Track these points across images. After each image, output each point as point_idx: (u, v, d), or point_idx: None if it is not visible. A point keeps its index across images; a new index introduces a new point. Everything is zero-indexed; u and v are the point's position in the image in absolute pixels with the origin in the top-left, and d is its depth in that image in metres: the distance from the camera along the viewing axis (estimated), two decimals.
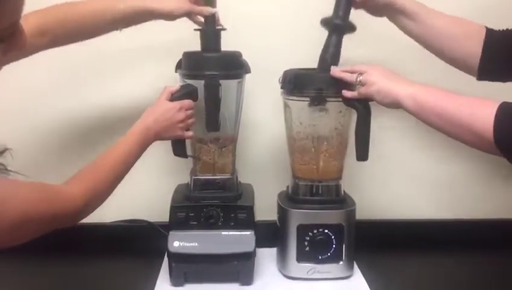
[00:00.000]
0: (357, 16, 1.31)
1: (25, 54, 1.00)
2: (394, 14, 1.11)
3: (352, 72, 1.07)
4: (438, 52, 1.11)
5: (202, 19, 1.14)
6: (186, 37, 1.16)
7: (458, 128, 0.90)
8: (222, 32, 1.16)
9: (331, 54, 1.13)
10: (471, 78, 1.11)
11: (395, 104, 1.00)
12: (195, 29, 1.15)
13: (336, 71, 1.10)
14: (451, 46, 1.09)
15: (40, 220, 0.79)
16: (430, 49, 1.12)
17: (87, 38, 1.09)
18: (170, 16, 1.10)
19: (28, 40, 0.97)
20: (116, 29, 1.09)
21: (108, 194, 0.97)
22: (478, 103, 0.89)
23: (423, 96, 0.95)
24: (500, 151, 0.85)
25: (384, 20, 1.23)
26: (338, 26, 1.13)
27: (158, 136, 1.07)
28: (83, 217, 0.91)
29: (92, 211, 0.94)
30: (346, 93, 1.09)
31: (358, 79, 1.06)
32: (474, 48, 1.06)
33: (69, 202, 0.86)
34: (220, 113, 1.15)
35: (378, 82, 1.02)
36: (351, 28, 1.13)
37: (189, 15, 1.12)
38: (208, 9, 1.12)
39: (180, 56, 1.17)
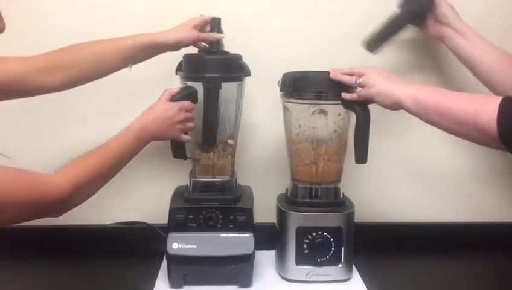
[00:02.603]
0: (355, 20, 1.32)
1: (34, 93, 1.04)
2: (454, 35, 1.16)
3: (351, 75, 1.08)
4: (483, 81, 1.16)
5: (207, 45, 1.17)
6: None
7: (461, 126, 0.90)
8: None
9: (385, 30, 1.18)
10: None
11: (396, 106, 1.00)
12: (198, 51, 1.18)
13: (335, 74, 1.10)
14: (496, 81, 1.12)
15: (18, 206, 0.80)
16: (475, 74, 1.17)
17: (97, 78, 1.10)
18: (178, 46, 1.13)
19: (37, 79, 1.01)
20: (126, 66, 1.10)
21: (98, 188, 0.97)
22: (480, 99, 0.90)
23: (424, 96, 0.96)
24: (504, 146, 0.85)
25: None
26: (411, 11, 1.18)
27: (155, 135, 1.07)
28: (70, 207, 0.91)
29: (81, 202, 0.93)
30: (346, 95, 1.09)
31: (357, 81, 1.06)
32: None
33: (51, 189, 0.86)
34: (218, 123, 1.16)
35: (377, 84, 1.03)
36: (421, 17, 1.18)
37: (195, 43, 1.15)
38: (213, 35, 1.15)
39: None
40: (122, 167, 1.02)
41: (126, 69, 1.11)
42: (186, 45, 1.14)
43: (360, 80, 1.06)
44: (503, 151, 0.87)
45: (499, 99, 0.86)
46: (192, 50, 1.18)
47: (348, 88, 1.10)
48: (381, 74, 1.05)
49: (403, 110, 1.02)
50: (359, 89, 1.07)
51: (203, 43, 1.17)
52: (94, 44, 1.08)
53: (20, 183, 0.82)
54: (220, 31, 1.17)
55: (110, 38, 1.09)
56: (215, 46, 1.16)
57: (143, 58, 1.12)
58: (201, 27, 1.15)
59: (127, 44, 1.08)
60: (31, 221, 1.28)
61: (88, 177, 0.92)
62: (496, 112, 0.84)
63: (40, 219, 1.29)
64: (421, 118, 0.97)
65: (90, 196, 0.96)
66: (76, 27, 1.25)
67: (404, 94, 0.98)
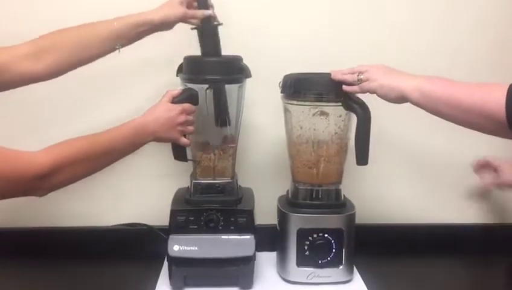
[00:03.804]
0: (356, 21, 1.32)
1: (21, 82, 1.02)
2: None
3: (352, 73, 1.08)
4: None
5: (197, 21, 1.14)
6: (185, 46, 1.17)
7: (469, 114, 0.89)
8: (223, 37, 1.17)
9: None
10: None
11: (400, 99, 1.00)
12: (192, 28, 1.15)
13: (336, 74, 1.10)
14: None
15: None
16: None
17: (85, 62, 1.07)
18: (165, 23, 1.11)
19: (21, 66, 0.99)
20: (115, 49, 1.08)
21: (86, 172, 0.96)
22: (487, 86, 0.89)
23: (429, 87, 0.95)
24: None
25: (385, 25, 1.23)
26: None
27: (155, 135, 1.06)
28: (52, 186, 0.89)
29: (64, 183, 0.92)
30: (347, 88, 1.08)
31: (359, 77, 1.06)
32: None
33: (31, 164, 0.85)
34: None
35: (380, 78, 1.03)
36: None
37: (184, 19, 1.13)
38: (202, 12, 1.13)
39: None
40: (114, 159, 1.01)
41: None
42: (174, 21, 1.11)
43: (362, 76, 1.06)
44: (511, 139, 0.86)
45: (506, 86, 0.85)
46: (194, 51, 1.18)
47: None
48: (383, 70, 1.05)
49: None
50: (362, 84, 1.06)
51: (193, 20, 1.14)
52: (79, 28, 1.06)
53: None
54: (207, 3, 1.14)
55: (95, 22, 1.07)
56: (206, 22, 1.13)
57: (131, 39, 1.09)
58: (188, 2, 1.13)
59: (113, 26, 1.06)
60: (33, 222, 1.31)
61: (73, 158, 0.91)
62: (504, 98, 0.84)
63: (41, 220, 1.32)
64: (427, 109, 0.97)
65: (76, 179, 0.94)
66: (68, 17, 1.24)
67: (409, 87, 0.98)
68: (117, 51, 1.08)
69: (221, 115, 1.17)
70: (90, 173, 0.97)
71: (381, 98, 1.03)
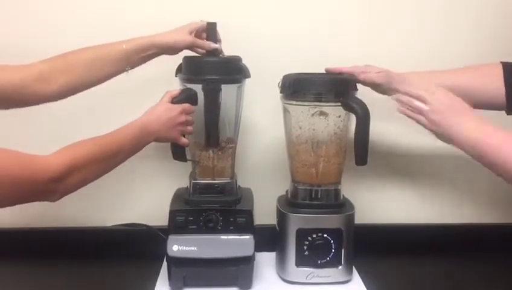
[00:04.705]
0: (355, 22, 1.33)
1: (32, 102, 1.03)
2: None
3: (409, 96, 1.00)
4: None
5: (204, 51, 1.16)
6: None
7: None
8: (222, 37, 1.18)
9: None
10: None
11: (448, 142, 0.97)
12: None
13: (399, 96, 1.02)
14: (473, 97, 1.00)
15: (10, 184, 0.80)
16: None
17: (95, 84, 1.09)
18: (173, 49, 1.13)
19: (34, 86, 1.00)
20: (123, 71, 1.10)
21: (96, 175, 0.96)
22: None
23: (483, 147, 0.91)
24: None
25: (384, 25, 1.23)
26: None
27: (157, 134, 1.07)
28: (65, 190, 0.89)
29: (76, 187, 0.91)
30: (409, 113, 1.01)
31: (420, 106, 0.98)
32: (495, 87, 1.03)
33: (44, 167, 0.85)
34: (219, 125, 1.16)
35: (441, 123, 0.96)
36: None
37: (191, 48, 1.15)
38: (209, 44, 1.15)
39: None
40: (121, 160, 1.01)
41: (130, 74, 1.11)
42: (182, 48, 1.14)
43: (424, 106, 0.97)
44: None
45: None
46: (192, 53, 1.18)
47: (348, 88, 1.09)
48: (446, 106, 0.96)
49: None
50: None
51: (200, 50, 1.16)
52: (89, 49, 1.08)
53: (12, 160, 0.81)
54: (216, 36, 1.16)
55: (105, 43, 1.09)
56: (213, 54, 1.16)
57: (139, 61, 1.11)
58: (197, 33, 1.15)
59: (121, 48, 1.08)
60: (32, 223, 1.31)
61: (84, 161, 0.91)
62: None
63: (41, 220, 1.32)
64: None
65: (87, 182, 0.94)
66: (76, 35, 1.25)
67: (462, 138, 0.93)
68: (125, 72, 1.10)
69: (212, 132, 1.16)
70: (100, 175, 0.98)
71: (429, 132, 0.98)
